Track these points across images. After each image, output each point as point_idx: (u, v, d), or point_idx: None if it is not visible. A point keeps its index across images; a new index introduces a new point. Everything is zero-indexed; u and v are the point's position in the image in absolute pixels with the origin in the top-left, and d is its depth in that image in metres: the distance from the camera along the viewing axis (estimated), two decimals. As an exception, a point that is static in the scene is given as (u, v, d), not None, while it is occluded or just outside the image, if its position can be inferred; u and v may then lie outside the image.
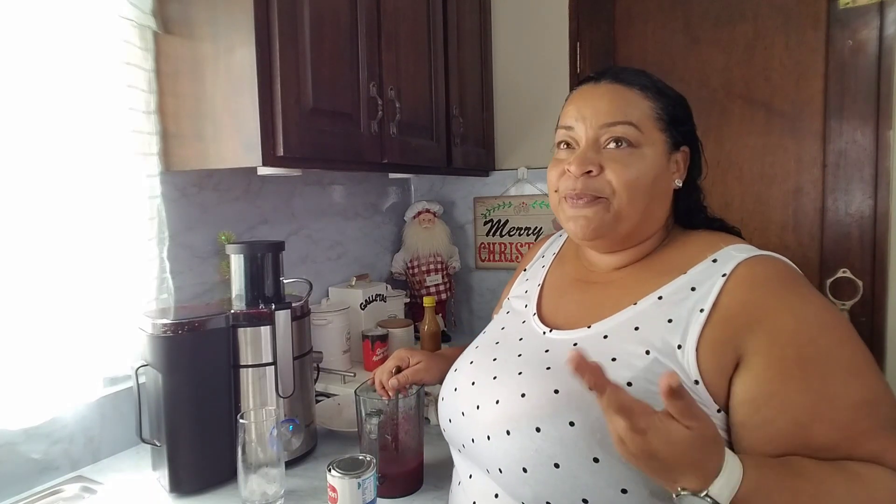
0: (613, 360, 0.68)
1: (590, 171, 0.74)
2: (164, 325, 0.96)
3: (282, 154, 1.04)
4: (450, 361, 0.96)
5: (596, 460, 0.63)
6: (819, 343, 0.63)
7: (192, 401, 0.97)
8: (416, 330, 1.69)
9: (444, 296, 1.96)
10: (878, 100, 1.48)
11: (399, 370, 0.97)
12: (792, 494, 0.56)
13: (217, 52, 1.05)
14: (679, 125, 0.78)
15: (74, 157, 1.01)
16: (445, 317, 1.99)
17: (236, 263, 1.08)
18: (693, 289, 0.70)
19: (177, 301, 1.21)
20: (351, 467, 0.85)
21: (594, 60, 1.81)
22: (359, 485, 0.83)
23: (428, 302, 1.61)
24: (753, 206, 1.65)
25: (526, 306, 0.88)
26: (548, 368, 0.72)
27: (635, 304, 0.73)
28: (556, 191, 0.80)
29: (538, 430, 0.66)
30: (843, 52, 1.51)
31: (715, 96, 1.67)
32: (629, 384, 0.65)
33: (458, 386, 0.81)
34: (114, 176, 1.07)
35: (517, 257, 2.00)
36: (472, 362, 0.83)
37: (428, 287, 1.93)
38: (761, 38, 1.61)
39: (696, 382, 0.64)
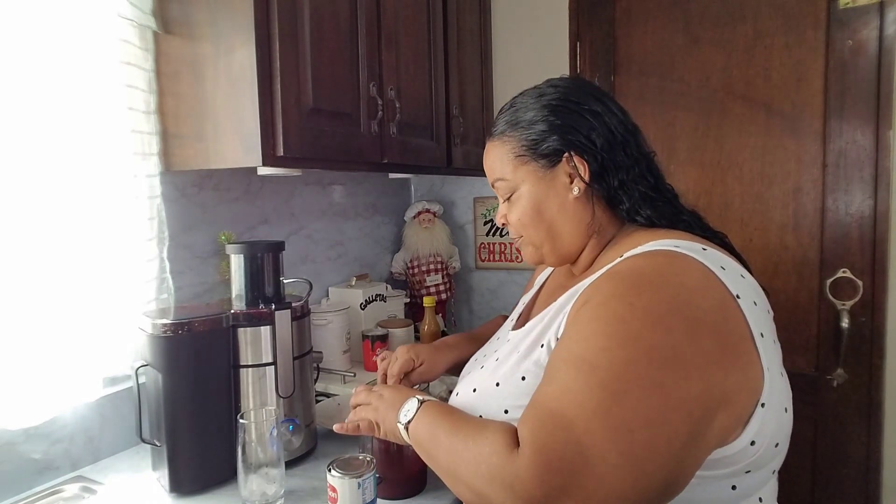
0: (542, 346, 0.75)
1: (504, 223, 0.88)
2: (164, 325, 0.96)
3: (282, 154, 1.04)
4: (452, 349, 1.06)
5: (506, 411, 0.74)
6: (589, 343, 0.63)
7: (192, 401, 0.97)
8: (416, 330, 1.69)
9: (444, 296, 1.96)
10: (878, 100, 1.48)
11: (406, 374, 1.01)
12: (437, 422, 0.73)
13: (217, 53, 1.05)
14: (541, 144, 0.79)
15: (74, 157, 1.01)
16: (445, 317, 1.99)
17: (236, 263, 1.08)
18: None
19: (177, 301, 1.21)
20: (351, 467, 0.85)
21: (594, 60, 1.81)
22: (359, 485, 0.83)
23: (428, 302, 1.61)
24: (753, 206, 1.65)
25: (517, 313, 0.96)
26: (497, 360, 0.82)
27: (556, 301, 0.78)
28: None
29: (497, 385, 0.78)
30: (843, 52, 1.51)
31: (715, 96, 1.66)
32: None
33: (459, 391, 0.88)
34: (114, 176, 1.07)
35: (517, 257, 2.00)
36: (469, 373, 0.90)
37: (428, 287, 1.93)
38: (761, 38, 1.61)
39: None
